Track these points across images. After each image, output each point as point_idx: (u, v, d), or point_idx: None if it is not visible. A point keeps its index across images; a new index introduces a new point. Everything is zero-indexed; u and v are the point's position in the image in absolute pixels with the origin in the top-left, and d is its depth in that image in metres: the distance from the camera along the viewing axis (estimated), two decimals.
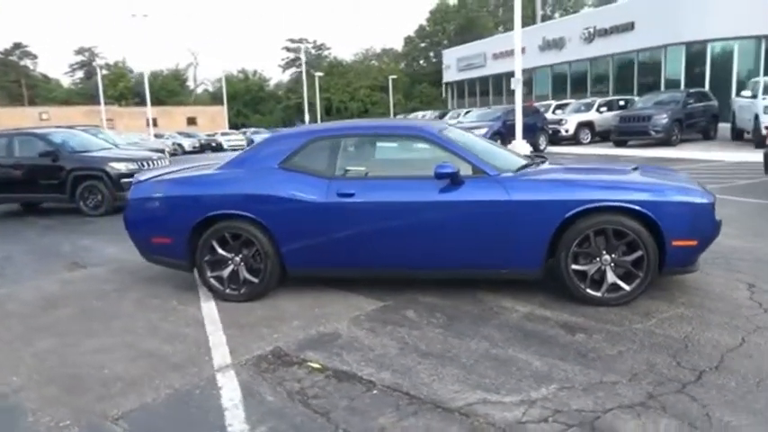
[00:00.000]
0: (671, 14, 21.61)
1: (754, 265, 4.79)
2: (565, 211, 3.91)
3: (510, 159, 4.39)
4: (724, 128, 18.08)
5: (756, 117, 14.46)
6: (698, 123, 17.93)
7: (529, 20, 57.68)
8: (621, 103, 20.80)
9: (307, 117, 41.48)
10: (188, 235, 4.45)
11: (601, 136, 19.76)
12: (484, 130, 16.87)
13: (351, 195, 4.16)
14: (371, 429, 2.61)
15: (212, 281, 4.49)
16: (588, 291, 3.99)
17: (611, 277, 3.98)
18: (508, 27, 63.81)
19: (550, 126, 19.69)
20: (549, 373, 3.07)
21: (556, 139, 19.57)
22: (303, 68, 41.57)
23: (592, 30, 25.51)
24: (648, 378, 2.96)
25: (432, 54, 72.75)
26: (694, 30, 21.22)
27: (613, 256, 3.95)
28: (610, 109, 20.29)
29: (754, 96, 15.18)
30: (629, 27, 23.68)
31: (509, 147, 16.75)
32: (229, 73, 62.90)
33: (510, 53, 31.91)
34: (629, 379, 2.96)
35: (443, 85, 41.92)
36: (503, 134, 17.30)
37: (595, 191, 3.93)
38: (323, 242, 4.26)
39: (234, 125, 55.97)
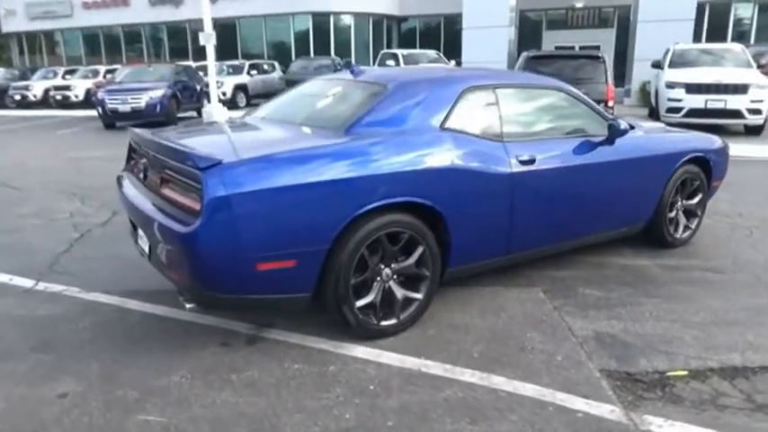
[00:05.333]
0: None
1: None
2: (675, 163, 4.13)
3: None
4: None
5: None
6: None
7: None
8: (266, 67, 21.19)
9: None
10: (328, 247, 2.66)
11: (255, 99, 19.62)
12: (160, 92, 14.64)
13: (532, 162, 3.29)
14: None
15: (360, 313, 2.84)
16: (674, 234, 4.37)
17: (683, 220, 4.45)
18: None
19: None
20: None
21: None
22: None
23: None
24: None
25: None
26: (319, 2, 23.15)
27: (684, 201, 4.42)
28: (259, 72, 20.38)
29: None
30: None
31: (204, 111, 14.95)
32: None
33: (109, 3, 27.86)
34: None
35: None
36: (177, 98, 15.33)
37: (686, 143, 4.28)
38: (500, 225, 3.25)
39: None
